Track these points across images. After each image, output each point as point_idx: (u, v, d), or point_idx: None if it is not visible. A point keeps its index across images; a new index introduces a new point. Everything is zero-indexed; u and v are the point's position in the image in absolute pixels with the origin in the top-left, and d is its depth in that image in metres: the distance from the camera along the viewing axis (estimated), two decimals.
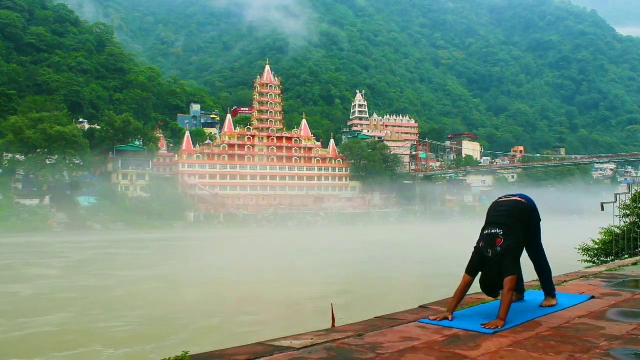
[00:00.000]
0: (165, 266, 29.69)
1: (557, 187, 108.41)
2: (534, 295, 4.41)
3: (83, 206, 66.66)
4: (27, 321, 15.73)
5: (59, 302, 19.08)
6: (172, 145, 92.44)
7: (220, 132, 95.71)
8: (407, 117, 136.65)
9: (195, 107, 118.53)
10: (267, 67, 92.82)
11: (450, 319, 3.54)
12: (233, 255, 35.40)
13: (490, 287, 3.69)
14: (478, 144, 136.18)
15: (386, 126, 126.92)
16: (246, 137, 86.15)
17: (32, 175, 67.52)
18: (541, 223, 4.17)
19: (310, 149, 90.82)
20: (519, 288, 4.18)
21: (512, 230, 3.71)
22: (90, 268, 29.34)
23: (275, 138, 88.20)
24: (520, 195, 4.10)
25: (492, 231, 3.73)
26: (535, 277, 4.35)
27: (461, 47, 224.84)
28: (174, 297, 19.92)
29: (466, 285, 3.70)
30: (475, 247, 3.77)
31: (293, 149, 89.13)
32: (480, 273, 3.72)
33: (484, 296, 4.31)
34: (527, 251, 4.14)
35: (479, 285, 3.80)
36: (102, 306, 18.15)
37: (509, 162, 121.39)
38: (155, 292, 20.92)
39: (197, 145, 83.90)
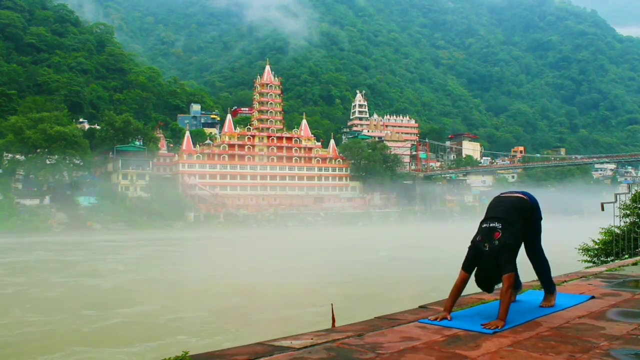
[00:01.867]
0: (211, 263, 31.73)
1: (557, 187, 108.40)
2: (534, 295, 4.40)
3: (83, 206, 66.64)
4: (115, 312, 17.05)
5: (138, 294, 20.73)
6: (172, 145, 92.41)
7: (220, 132, 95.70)
8: (407, 117, 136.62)
9: (195, 107, 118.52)
10: (267, 67, 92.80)
11: (448, 318, 3.53)
12: (250, 254, 37.17)
13: (486, 282, 3.63)
14: (478, 144, 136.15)
15: (386, 126, 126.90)
16: (246, 137, 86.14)
17: (32, 175, 67.50)
18: (541, 223, 4.14)
19: (310, 149, 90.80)
20: (515, 285, 4.16)
21: (512, 225, 3.66)
22: (151, 264, 31.77)
23: (275, 138, 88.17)
24: (523, 193, 4.06)
25: (491, 225, 3.68)
26: (535, 277, 4.34)
27: (461, 47, 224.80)
28: (232, 290, 21.27)
29: (462, 282, 3.66)
30: (471, 242, 3.71)
31: (293, 149, 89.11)
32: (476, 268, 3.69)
33: (484, 296, 4.31)
34: (526, 249, 4.09)
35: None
36: (178, 299, 19.62)
37: (509, 162, 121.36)
38: (220, 286, 22.35)
39: (197, 145, 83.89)
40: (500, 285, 3.62)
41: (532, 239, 4.05)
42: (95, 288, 22.23)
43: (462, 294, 4.24)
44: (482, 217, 3.97)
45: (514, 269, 3.57)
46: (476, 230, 3.79)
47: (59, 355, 12.32)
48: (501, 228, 3.62)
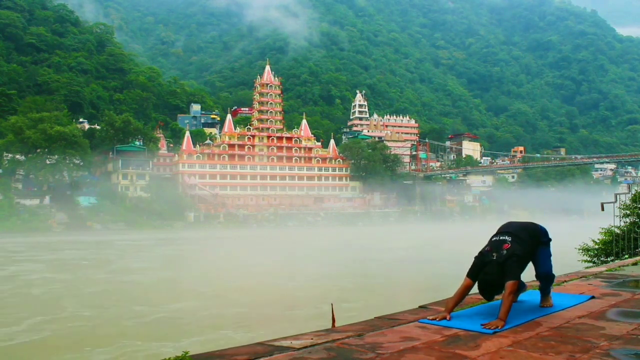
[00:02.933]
0: (227, 262, 33.03)
1: (557, 187, 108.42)
2: (533, 295, 4.40)
3: (83, 206, 66.64)
4: (159, 308, 17.73)
5: (174, 291, 21.63)
6: (172, 145, 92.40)
7: (220, 132, 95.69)
8: (407, 117, 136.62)
9: (195, 107, 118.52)
10: (267, 67, 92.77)
11: (448, 318, 3.53)
12: (257, 254, 37.96)
13: (486, 288, 3.65)
14: (478, 144, 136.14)
15: (386, 126, 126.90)
16: (246, 137, 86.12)
17: (32, 175, 67.47)
18: (542, 224, 4.16)
19: (310, 149, 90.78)
20: (519, 286, 4.17)
21: (521, 240, 3.76)
22: (175, 262, 32.83)
23: (275, 138, 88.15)
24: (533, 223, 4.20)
25: (501, 238, 3.78)
26: (535, 277, 4.33)
27: (461, 47, 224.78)
28: (267, 287, 22.08)
29: (466, 288, 3.69)
30: (479, 253, 3.78)
31: (293, 149, 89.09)
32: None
33: None
34: (535, 267, 4.08)
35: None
36: (217, 294, 20.37)
37: (509, 162, 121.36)
38: (252, 283, 23.24)
39: (197, 145, 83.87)
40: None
41: (542, 257, 4.05)
42: (135, 284, 23.34)
43: None
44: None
45: (518, 277, 3.62)
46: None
47: (111, 348, 12.87)
48: (511, 241, 3.71)
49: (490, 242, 3.80)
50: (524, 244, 3.74)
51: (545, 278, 4.13)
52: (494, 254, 3.65)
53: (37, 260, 32.79)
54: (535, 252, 3.95)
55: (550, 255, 4.15)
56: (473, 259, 3.78)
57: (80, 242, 47.53)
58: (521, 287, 4.17)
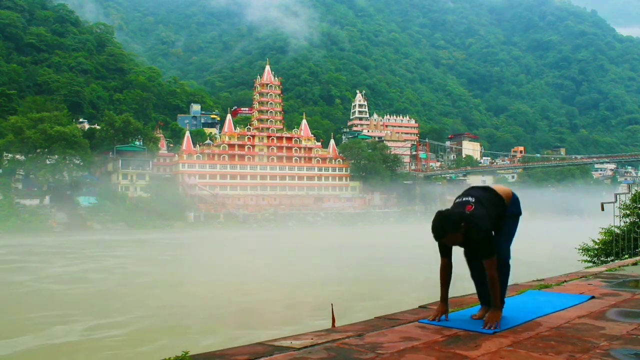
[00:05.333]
0: (269, 258, 34.38)
1: (557, 187, 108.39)
2: (534, 295, 4.41)
3: (83, 206, 66.60)
4: (249, 297, 18.95)
5: (250, 283, 22.76)
6: (172, 145, 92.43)
7: (220, 132, 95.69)
8: (407, 117, 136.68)
9: (195, 107, 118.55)
10: (267, 67, 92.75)
11: (445, 308, 3.50)
12: (265, 254, 38.71)
13: (439, 224, 3.34)
14: (478, 144, 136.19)
15: (386, 126, 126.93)
16: (246, 137, 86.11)
17: (32, 175, 67.49)
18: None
19: (310, 149, 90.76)
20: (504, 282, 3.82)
21: (485, 203, 3.49)
22: (227, 259, 34.16)
23: (275, 138, 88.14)
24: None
25: (464, 199, 3.54)
26: (535, 277, 4.33)
27: (461, 47, 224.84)
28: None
29: (444, 268, 3.51)
30: None
31: (293, 149, 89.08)
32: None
33: None
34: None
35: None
36: (293, 288, 21.16)
37: (509, 162, 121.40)
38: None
39: (197, 145, 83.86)
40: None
41: (501, 241, 3.68)
42: (212, 277, 24.76)
43: (462, 294, 4.25)
44: None
45: (493, 253, 3.37)
46: None
47: (214, 335, 13.47)
48: (474, 202, 3.47)
49: (454, 204, 3.57)
50: (488, 209, 3.47)
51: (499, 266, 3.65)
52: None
53: (116, 257, 34.94)
54: (499, 224, 3.64)
55: (513, 234, 3.76)
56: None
57: (128, 241, 49.09)
58: (505, 266, 3.76)
